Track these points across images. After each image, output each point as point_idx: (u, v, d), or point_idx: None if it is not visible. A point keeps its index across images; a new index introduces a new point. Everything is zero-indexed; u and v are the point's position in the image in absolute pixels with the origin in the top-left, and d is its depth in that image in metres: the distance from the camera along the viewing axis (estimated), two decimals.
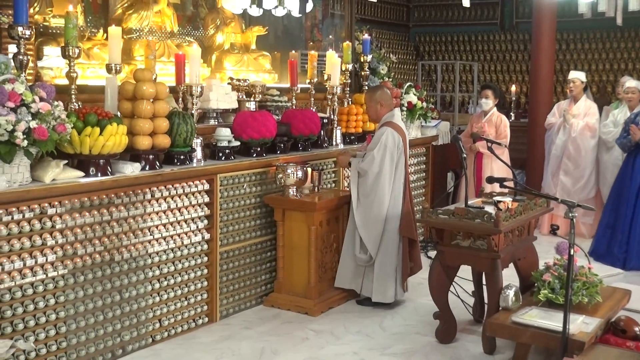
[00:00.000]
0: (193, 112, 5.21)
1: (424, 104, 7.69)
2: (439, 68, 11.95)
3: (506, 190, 5.21)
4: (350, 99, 7.25)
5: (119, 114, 4.65)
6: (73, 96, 4.55)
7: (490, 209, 4.79)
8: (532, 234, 5.17)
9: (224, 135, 5.39)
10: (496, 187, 6.06)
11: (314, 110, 6.44)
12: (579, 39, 11.62)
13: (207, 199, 5.08)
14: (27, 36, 4.23)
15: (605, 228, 7.18)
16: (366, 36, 7.62)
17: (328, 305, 5.53)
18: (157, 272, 4.73)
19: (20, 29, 4.18)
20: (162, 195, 4.74)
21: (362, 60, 7.52)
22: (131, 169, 4.51)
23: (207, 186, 5.07)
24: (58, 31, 5.20)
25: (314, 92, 6.68)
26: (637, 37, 11.15)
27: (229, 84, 6.19)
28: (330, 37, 8.10)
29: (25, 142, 3.75)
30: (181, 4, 6.48)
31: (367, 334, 5.04)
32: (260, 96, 6.32)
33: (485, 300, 4.89)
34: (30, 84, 4.12)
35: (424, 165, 7.89)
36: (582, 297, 4.29)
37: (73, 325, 4.18)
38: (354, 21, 8.38)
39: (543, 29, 9.08)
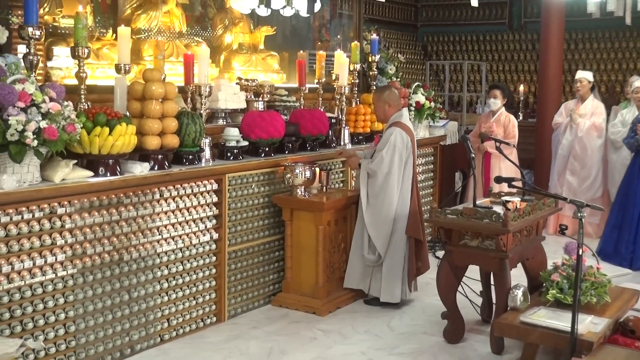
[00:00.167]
0: (202, 112, 5.22)
1: (432, 104, 7.68)
2: (447, 68, 11.93)
3: (514, 190, 5.20)
4: (358, 99, 7.25)
5: (128, 114, 4.66)
6: (82, 96, 4.57)
7: (498, 209, 4.79)
8: (541, 234, 5.16)
9: (233, 135, 5.40)
10: (504, 187, 6.05)
11: (322, 110, 6.45)
12: (587, 39, 11.57)
13: (215, 199, 5.09)
14: (37, 36, 4.26)
15: (612, 228, 7.16)
16: (374, 36, 7.62)
17: (336, 305, 5.54)
18: (166, 272, 4.75)
19: (30, 29, 4.21)
20: (170, 195, 4.75)
21: (370, 60, 7.52)
22: (140, 169, 4.52)
23: (215, 186, 5.08)
24: (67, 31, 5.22)
25: (322, 92, 6.69)
26: None
27: (237, 84, 6.20)
28: (338, 37, 8.10)
29: (35, 142, 3.77)
30: (190, 4, 6.49)
31: (375, 334, 5.05)
32: (268, 96, 6.33)
33: (494, 300, 4.88)
34: (40, 84, 4.14)
35: (432, 165, 7.88)
36: (590, 297, 4.28)
37: (82, 324, 4.21)
38: (362, 21, 8.38)
39: (551, 29, 9.06)
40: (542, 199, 5.02)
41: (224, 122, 5.90)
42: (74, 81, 4.74)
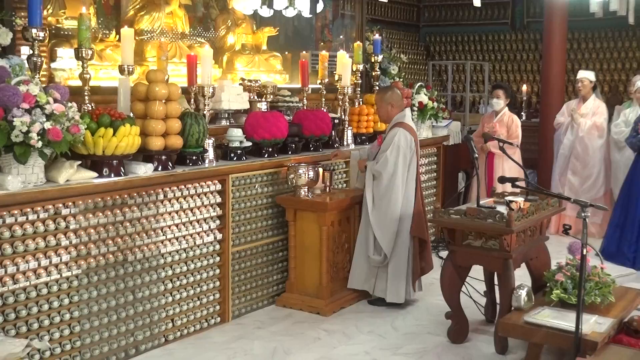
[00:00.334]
0: (205, 112, 5.23)
1: (435, 104, 7.69)
2: (450, 68, 11.93)
3: (518, 190, 5.20)
4: (361, 99, 7.25)
5: (131, 114, 4.67)
6: (86, 97, 4.58)
7: (502, 209, 4.78)
8: (544, 234, 5.16)
9: (236, 136, 5.40)
10: (508, 187, 6.02)
11: (325, 110, 6.45)
12: (590, 38, 11.55)
13: (219, 200, 5.10)
14: (40, 38, 4.26)
15: (615, 227, 7.16)
16: (377, 36, 7.63)
17: (340, 305, 5.54)
18: (170, 272, 4.76)
19: (34, 30, 4.21)
20: (174, 195, 4.76)
21: (372, 60, 7.53)
22: (144, 170, 4.53)
23: (219, 186, 5.09)
24: (71, 33, 5.23)
25: (325, 92, 6.69)
26: None
27: (240, 84, 6.22)
28: (341, 37, 8.11)
29: (40, 143, 3.78)
30: (192, 5, 6.50)
31: (379, 334, 5.05)
32: (271, 97, 6.34)
33: (497, 301, 4.88)
34: (44, 85, 4.15)
35: (435, 166, 7.88)
36: (594, 297, 4.27)
37: (87, 324, 4.21)
38: (364, 21, 8.38)
39: (554, 29, 9.06)
40: (545, 199, 5.02)
41: (227, 123, 5.91)
42: (77, 82, 4.75)
